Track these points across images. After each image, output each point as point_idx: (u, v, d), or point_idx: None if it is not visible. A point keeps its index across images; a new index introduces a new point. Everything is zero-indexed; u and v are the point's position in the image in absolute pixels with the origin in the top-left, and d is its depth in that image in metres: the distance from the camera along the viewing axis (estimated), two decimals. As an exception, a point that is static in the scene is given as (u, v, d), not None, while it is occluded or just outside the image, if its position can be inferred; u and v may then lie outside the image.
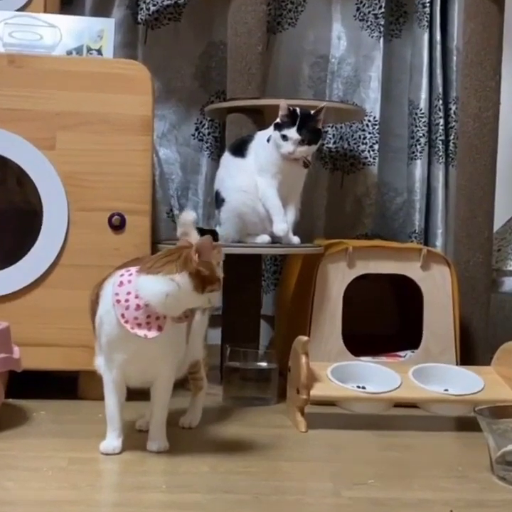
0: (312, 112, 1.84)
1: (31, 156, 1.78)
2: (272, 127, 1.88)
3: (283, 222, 1.89)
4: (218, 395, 1.90)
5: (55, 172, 1.78)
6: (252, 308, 2.07)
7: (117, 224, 1.81)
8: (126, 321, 1.34)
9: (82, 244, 1.80)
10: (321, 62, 2.46)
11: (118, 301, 1.35)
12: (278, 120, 1.85)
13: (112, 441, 1.44)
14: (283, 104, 1.84)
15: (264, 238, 1.93)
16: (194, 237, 1.59)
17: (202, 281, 1.36)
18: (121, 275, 1.38)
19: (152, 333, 1.35)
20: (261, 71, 2.11)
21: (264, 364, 1.90)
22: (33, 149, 1.78)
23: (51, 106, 1.79)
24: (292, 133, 1.82)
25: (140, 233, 1.81)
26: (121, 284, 1.37)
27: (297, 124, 1.82)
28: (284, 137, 1.83)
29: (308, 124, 1.83)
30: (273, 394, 1.89)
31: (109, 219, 1.81)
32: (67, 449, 1.47)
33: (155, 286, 1.34)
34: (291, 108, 1.85)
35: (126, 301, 1.35)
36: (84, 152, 1.80)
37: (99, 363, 1.44)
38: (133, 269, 1.38)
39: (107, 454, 1.43)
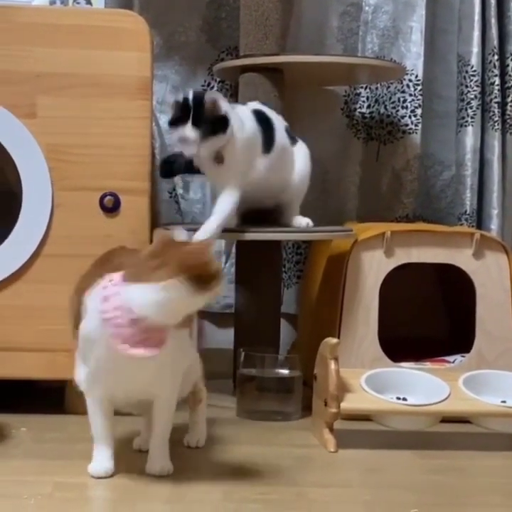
0: (205, 98, 1.75)
1: (8, 126, 1.77)
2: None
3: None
4: (231, 409, 1.90)
5: (36, 145, 1.78)
6: (270, 305, 2.07)
7: (110, 206, 1.81)
8: (120, 341, 1.34)
9: (69, 231, 1.80)
10: (353, 10, 2.45)
11: (107, 320, 1.35)
12: (170, 118, 1.79)
13: (103, 462, 1.44)
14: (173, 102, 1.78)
15: (305, 221, 1.96)
16: None
17: (201, 282, 1.35)
18: (105, 287, 1.37)
19: (151, 351, 1.35)
20: (280, 22, 2.10)
21: (285, 371, 1.90)
22: (9, 118, 1.77)
23: (31, 66, 1.78)
24: (189, 131, 1.74)
25: (137, 216, 1.81)
26: (106, 299, 1.36)
27: (192, 117, 1.74)
28: (182, 134, 1.75)
29: (204, 114, 1.73)
30: (296, 407, 1.88)
31: (101, 200, 1.81)
32: (51, 473, 1.47)
33: (146, 297, 1.34)
34: (180, 100, 1.77)
35: (117, 317, 1.34)
36: (70, 121, 1.80)
37: (81, 378, 1.43)
38: (116, 278, 1.37)
39: (98, 478, 1.43)
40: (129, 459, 1.51)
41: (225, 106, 1.77)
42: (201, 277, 1.35)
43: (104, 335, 1.36)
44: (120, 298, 1.35)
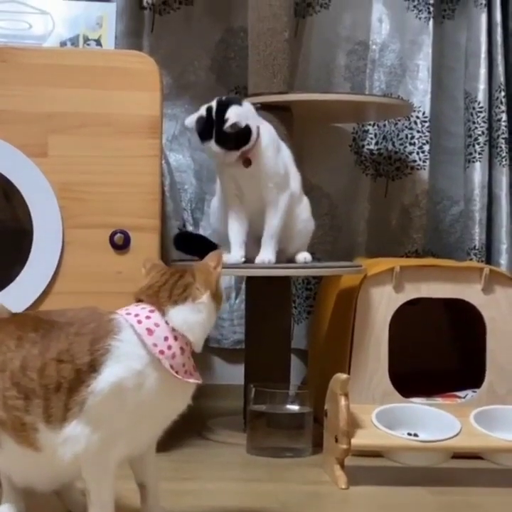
0: (226, 119, 1.83)
1: (19, 165, 1.78)
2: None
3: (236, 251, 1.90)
4: (241, 445, 1.88)
5: (47, 183, 1.79)
6: (280, 340, 2.06)
7: (120, 243, 1.81)
8: (177, 372, 1.28)
9: (79, 268, 1.80)
10: (360, 49, 2.46)
11: (161, 352, 1.26)
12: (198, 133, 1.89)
13: None
14: (188, 121, 1.88)
15: (303, 256, 1.96)
16: None
17: (218, 298, 1.35)
18: (139, 322, 1.28)
19: (198, 377, 1.31)
20: (288, 61, 2.10)
21: (295, 407, 1.88)
22: (21, 157, 1.78)
23: (42, 106, 1.80)
24: (213, 147, 1.85)
25: (147, 253, 1.79)
26: (150, 331, 1.27)
27: (215, 134, 1.83)
28: (210, 150, 1.87)
29: (226, 133, 1.82)
30: (307, 443, 1.86)
31: (111, 237, 1.81)
32: None
33: (190, 318, 1.31)
34: (204, 115, 1.86)
35: (169, 348, 1.27)
36: (81, 159, 1.81)
37: (92, 448, 1.24)
38: (142, 311, 1.30)
39: None
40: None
41: (245, 119, 1.84)
42: (217, 294, 1.35)
43: (155, 375, 1.26)
44: (163, 328, 1.28)
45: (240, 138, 1.84)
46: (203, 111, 1.87)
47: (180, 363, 1.28)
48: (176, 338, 1.29)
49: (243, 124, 1.83)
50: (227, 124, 1.81)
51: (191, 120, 1.88)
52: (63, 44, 1.94)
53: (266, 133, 1.90)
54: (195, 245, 2.05)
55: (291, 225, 1.96)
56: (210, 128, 1.84)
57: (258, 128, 1.87)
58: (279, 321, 2.06)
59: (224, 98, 1.88)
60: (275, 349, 2.04)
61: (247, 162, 1.87)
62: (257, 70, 2.09)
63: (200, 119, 1.86)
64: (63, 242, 1.79)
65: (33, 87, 1.79)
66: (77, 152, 1.80)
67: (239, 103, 1.87)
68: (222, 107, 1.85)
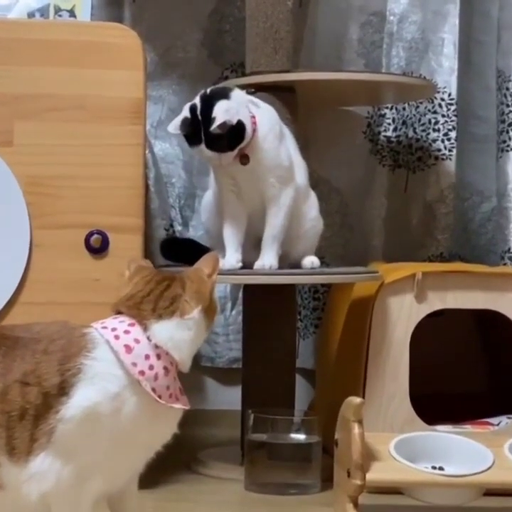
0: (213, 113, 1.82)
1: (-21, 156, 1.79)
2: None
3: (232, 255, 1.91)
4: (238, 481, 1.88)
5: (12, 176, 1.79)
6: (284, 359, 2.06)
7: (97, 246, 1.81)
8: (160, 396, 1.28)
9: (50, 274, 1.80)
10: (375, 20, 2.46)
11: (142, 373, 1.26)
12: (184, 136, 1.89)
13: None
14: (171, 127, 1.87)
15: (309, 261, 1.96)
16: None
17: (212, 312, 1.36)
18: (116, 337, 1.29)
19: (186, 400, 1.32)
20: (292, 35, 2.11)
21: (301, 437, 1.89)
22: (-18, 146, 1.79)
23: (7, 87, 1.80)
24: (205, 151, 1.84)
25: (128, 258, 1.79)
26: (128, 349, 1.27)
27: (203, 137, 1.83)
28: (202, 154, 1.87)
29: (215, 135, 1.82)
30: (314, 478, 1.87)
31: (87, 239, 1.81)
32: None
33: (177, 335, 1.31)
34: (188, 116, 1.85)
35: (151, 367, 1.27)
36: (51, 149, 1.81)
37: (63, 483, 1.25)
38: (121, 325, 1.30)
39: None
40: None
41: (236, 114, 1.82)
42: (211, 307, 1.35)
43: (135, 398, 1.26)
44: (145, 345, 1.29)
45: (233, 137, 1.83)
46: (186, 111, 1.86)
47: (164, 386, 1.28)
48: (158, 357, 1.29)
49: (234, 121, 1.82)
50: (214, 125, 1.80)
51: (175, 124, 1.86)
52: (31, 15, 1.95)
53: (264, 119, 1.89)
54: (186, 252, 2.04)
55: (297, 224, 1.96)
56: (198, 130, 1.83)
57: (253, 118, 1.86)
58: (281, 336, 2.06)
59: (208, 92, 1.87)
60: (277, 369, 2.04)
61: (244, 158, 1.87)
62: (256, 45, 2.09)
63: (184, 121, 1.85)
64: (31, 244, 1.80)
65: (-4, 65, 1.80)
66: (47, 140, 1.81)
67: (226, 96, 1.85)
68: (208, 104, 1.83)
